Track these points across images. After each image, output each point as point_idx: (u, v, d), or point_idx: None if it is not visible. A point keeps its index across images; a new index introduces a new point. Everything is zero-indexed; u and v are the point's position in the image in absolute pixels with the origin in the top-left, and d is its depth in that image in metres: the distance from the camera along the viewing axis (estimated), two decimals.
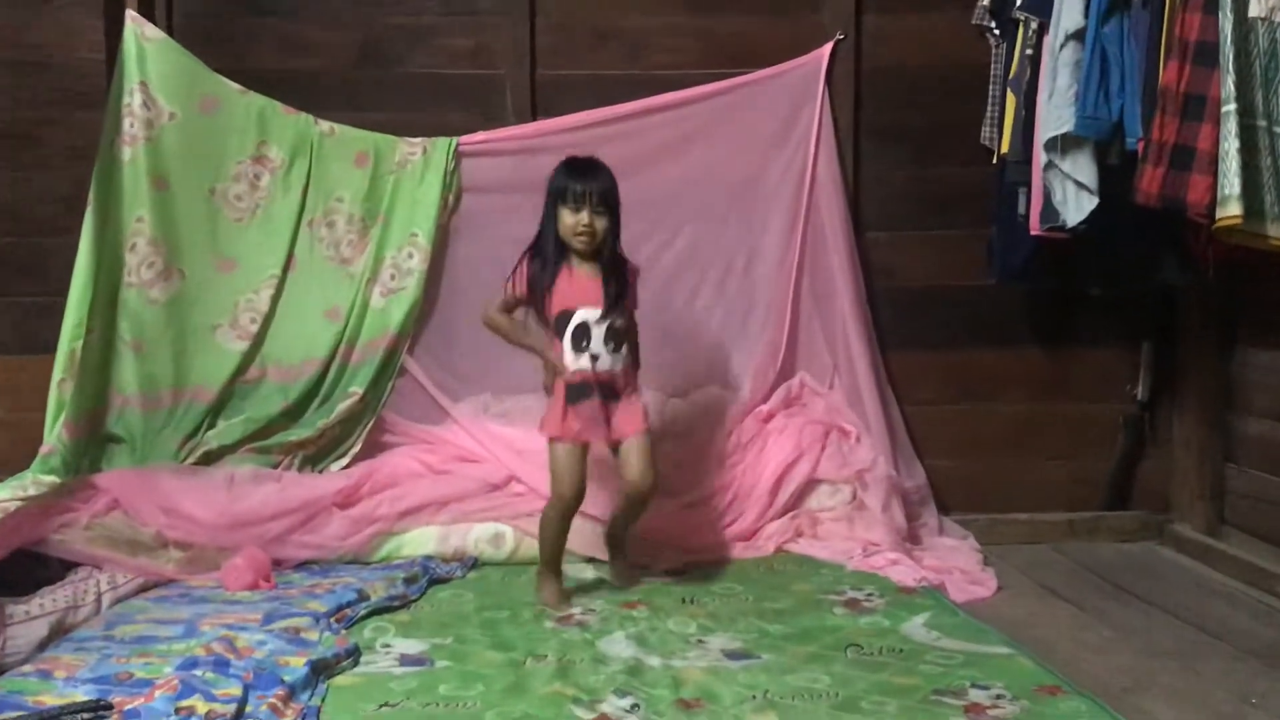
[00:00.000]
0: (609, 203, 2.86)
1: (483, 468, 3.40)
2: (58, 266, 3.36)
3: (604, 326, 2.83)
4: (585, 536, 3.16)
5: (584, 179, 2.84)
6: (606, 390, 2.86)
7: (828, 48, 3.60)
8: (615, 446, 2.90)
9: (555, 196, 2.87)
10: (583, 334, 2.83)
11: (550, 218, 2.87)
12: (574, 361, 2.83)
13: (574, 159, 2.91)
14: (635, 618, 2.75)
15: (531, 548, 3.19)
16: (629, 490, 2.87)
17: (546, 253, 2.87)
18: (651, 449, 2.87)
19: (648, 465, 2.84)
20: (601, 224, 2.84)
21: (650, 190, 3.54)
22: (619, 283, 2.86)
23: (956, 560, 3.22)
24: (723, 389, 3.62)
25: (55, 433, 3.22)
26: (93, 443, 3.32)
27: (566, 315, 2.84)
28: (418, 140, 3.54)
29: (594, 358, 2.82)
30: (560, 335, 2.84)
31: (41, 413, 3.27)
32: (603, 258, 2.87)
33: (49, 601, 2.65)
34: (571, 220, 2.83)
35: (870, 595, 2.92)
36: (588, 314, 2.83)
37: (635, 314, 2.96)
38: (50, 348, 3.30)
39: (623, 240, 2.92)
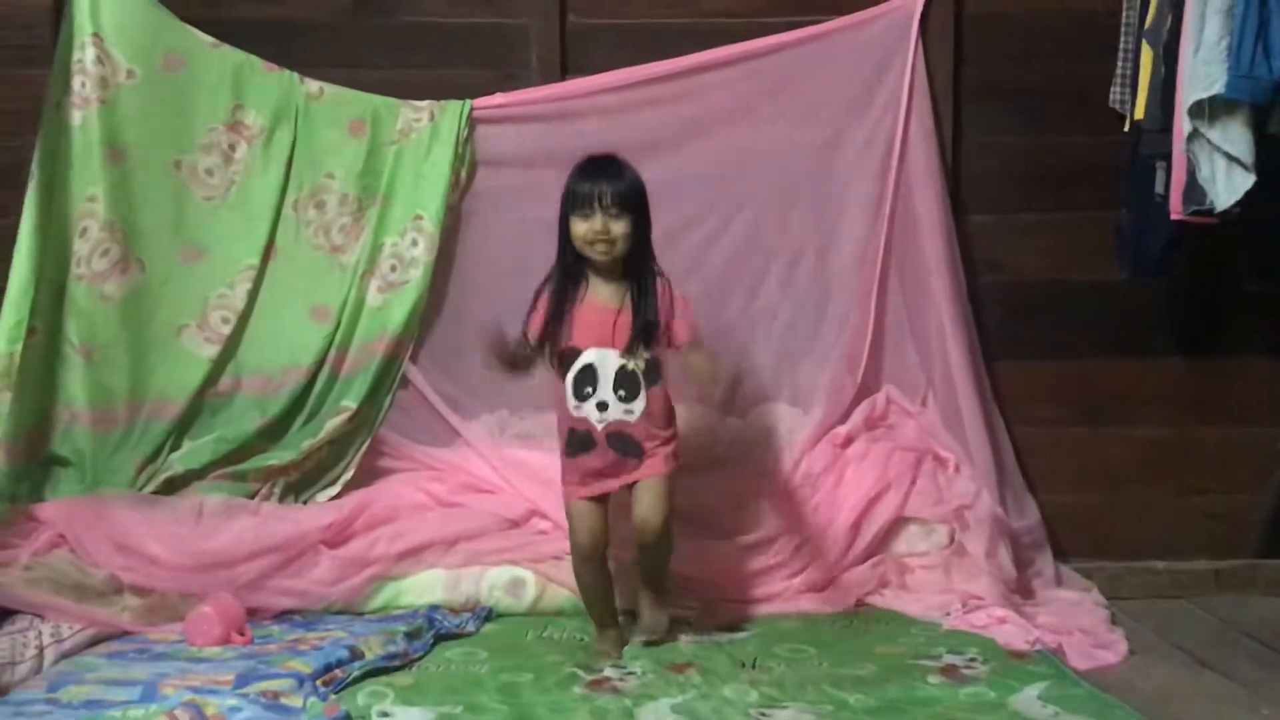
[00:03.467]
0: (628, 205, 2.87)
1: (499, 500, 3.42)
2: None
3: (615, 370, 2.87)
4: (623, 585, 3.14)
5: (594, 178, 2.87)
6: (622, 444, 2.90)
7: None
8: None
9: (564, 205, 2.91)
10: (588, 378, 2.89)
11: (563, 234, 2.91)
12: (575, 410, 2.90)
13: (587, 158, 2.94)
14: (683, 684, 2.75)
15: (557, 595, 3.23)
16: (636, 531, 2.92)
17: (561, 277, 2.91)
18: (669, 488, 2.92)
19: (657, 500, 2.89)
20: (620, 228, 2.86)
21: (704, 165, 3.56)
22: (646, 312, 2.89)
23: (1078, 618, 3.20)
24: (790, 406, 3.62)
25: None
26: (34, 465, 3.35)
27: (573, 354, 2.90)
28: (424, 104, 3.56)
29: (601, 406, 2.88)
30: (564, 375, 2.90)
31: None
32: (629, 276, 2.90)
33: None
34: (583, 228, 2.86)
35: (972, 660, 2.90)
36: (598, 355, 2.88)
37: (695, 336, 2.92)
38: None
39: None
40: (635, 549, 2.98)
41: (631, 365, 2.88)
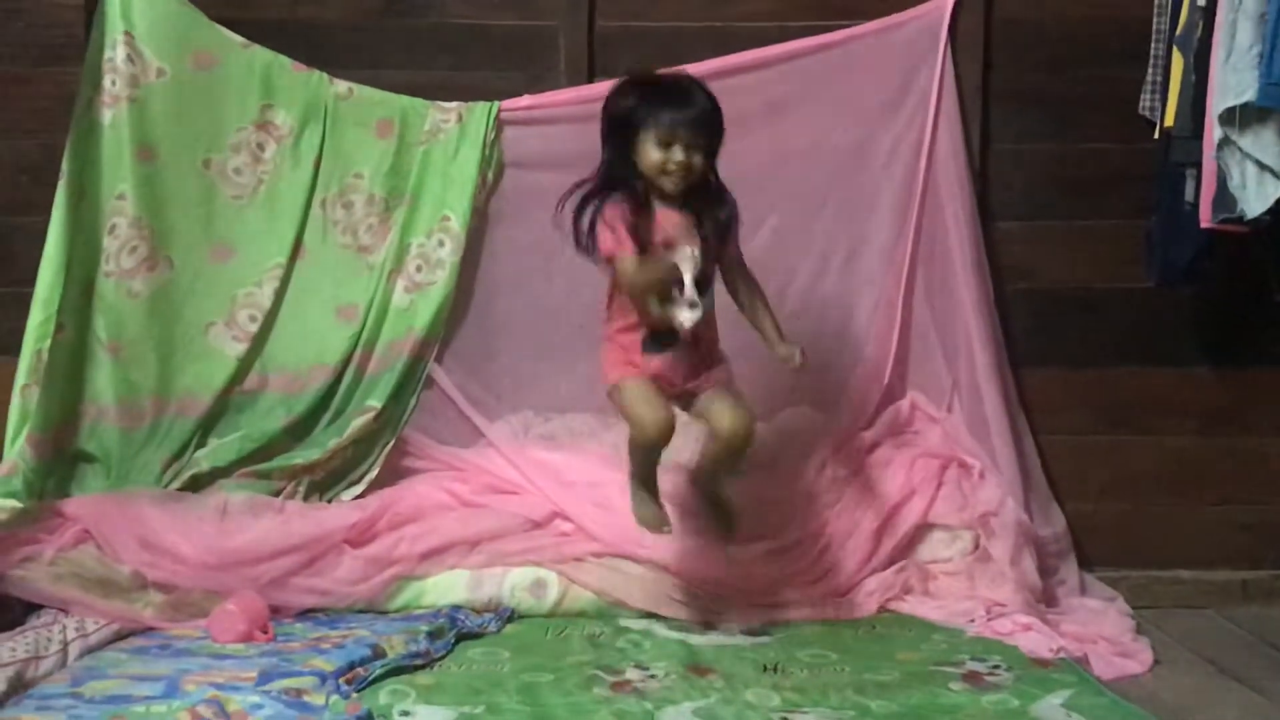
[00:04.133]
0: (709, 132, 2.84)
1: (522, 501, 3.42)
2: (23, 251, 3.43)
3: (696, 269, 2.82)
4: (646, 587, 3.19)
5: (679, 106, 2.82)
6: (702, 351, 2.91)
7: None
8: (686, 406, 2.94)
9: (633, 124, 2.84)
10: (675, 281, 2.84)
11: (621, 148, 2.85)
12: (658, 310, 2.85)
13: (658, 77, 2.89)
14: (705, 687, 2.75)
15: (580, 597, 3.25)
16: (722, 436, 2.87)
17: (630, 190, 2.84)
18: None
19: (740, 407, 2.86)
20: (700, 159, 2.83)
21: (731, 168, 3.52)
22: (717, 218, 2.87)
23: (1102, 627, 3.20)
24: (815, 411, 3.61)
25: (17, 448, 3.29)
26: (60, 461, 3.38)
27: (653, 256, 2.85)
28: (451, 105, 3.57)
29: (692, 305, 2.81)
30: None
31: (0, 424, 3.33)
32: (692, 193, 2.87)
33: (6, 651, 2.70)
34: (659, 157, 2.81)
35: (995, 668, 2.89)
36: (679, 254, 2.81)
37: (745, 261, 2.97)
38: (13, 348, 3.36)
39: None
40: (715, 453, 2.93)
41: (705, 266, 2.85)
